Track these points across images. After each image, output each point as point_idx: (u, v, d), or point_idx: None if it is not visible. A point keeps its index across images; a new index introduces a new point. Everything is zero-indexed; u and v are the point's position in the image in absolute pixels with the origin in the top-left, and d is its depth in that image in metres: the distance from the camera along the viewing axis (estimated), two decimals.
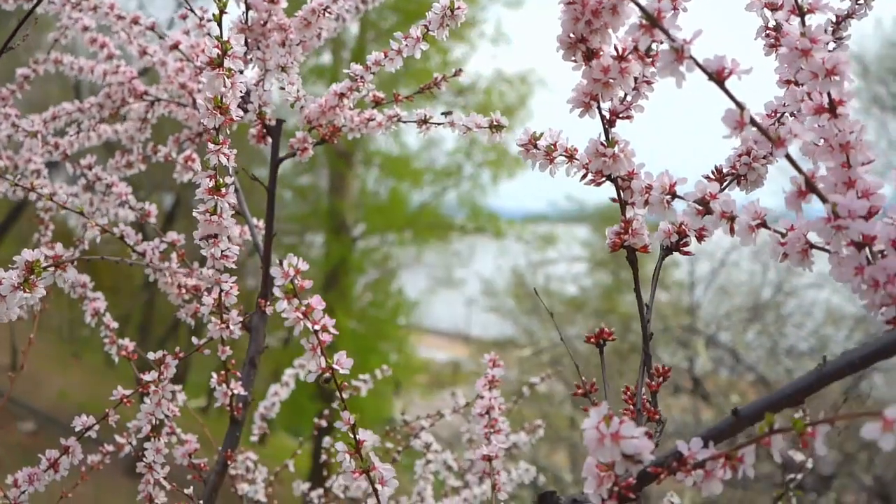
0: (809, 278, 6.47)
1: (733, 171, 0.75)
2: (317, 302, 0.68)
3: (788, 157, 0.56)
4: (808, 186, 0.56)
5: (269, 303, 1.04)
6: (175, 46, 1.16)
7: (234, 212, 1.15)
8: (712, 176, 0.75)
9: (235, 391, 1.03)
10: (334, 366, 0.69)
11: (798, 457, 1.16)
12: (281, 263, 0.67)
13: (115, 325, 1.17)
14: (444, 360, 11.99)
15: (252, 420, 1.53)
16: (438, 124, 1.01)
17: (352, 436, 0.71)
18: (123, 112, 1.32)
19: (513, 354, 7.99)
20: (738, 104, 0.55)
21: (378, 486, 0.70)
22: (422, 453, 1.41)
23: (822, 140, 0.60)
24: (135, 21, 1.17)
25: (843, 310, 7.22)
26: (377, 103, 1.07)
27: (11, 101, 1.37)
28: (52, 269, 0.72)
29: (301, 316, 0.67)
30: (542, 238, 10.85)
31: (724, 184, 0.75)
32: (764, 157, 0.74)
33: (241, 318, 0.99)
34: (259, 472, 1.37)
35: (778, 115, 0.75)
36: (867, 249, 0.57)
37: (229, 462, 1.06)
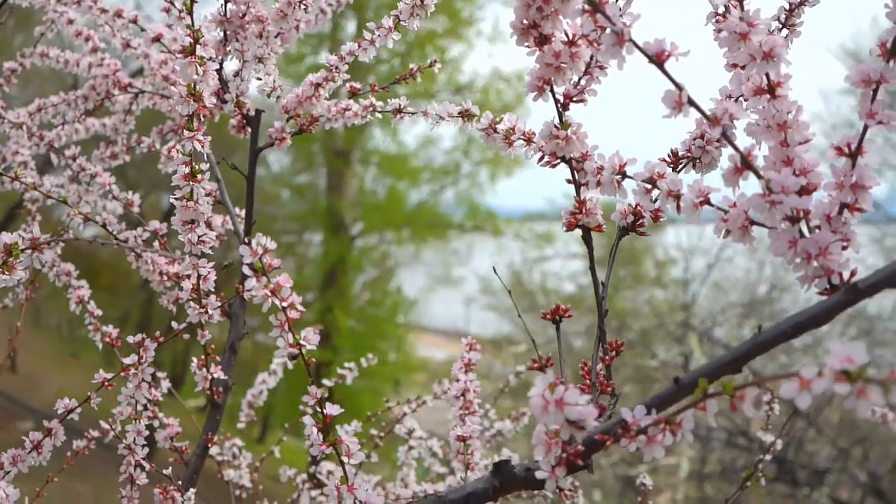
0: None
1: (688, 154, 0.77)
2: (285, 280, 0.71)
3: (724, 135, 0.58)
4: (744, 164, 0.59)
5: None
6: (157, 39, 1.18)
7: (215, 201, 1.18)
8: (668, 159, 0.78)
9: (215, 375, 1.06)
10: (301, 342, 0.71)
11: (767, 438, 1.19)
12: (250, 243, 0.69)
13: (98, 312, 1.20)
14: (442, 358, 12.01)
15: (239, 407, 1.56)
16: (412, 114, 1.03)
17: (319, 410, 0.73)
18: (108, 105, 1.35)
19: (509, 351, 8.03)
20: (676, 85, 0.58)
21: (344, 459, 0.73)
22: (404, 439, 1.43)
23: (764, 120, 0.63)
24: (118, 14, 1.20)
25: None
26: (353, 94, 1.10)
27: None
28: (29, 251, 0.75)
29: (269, 293, 0.70)
30: (540, 236, 10.89)
31: (680, 166, 0.77)
32: (718, 141, 0.76)
33: (219, 304, 1.01)
34: (244, 458, 1.40)
35: (732, 99, 0.78)
36: (802, 224, 0.59)
37: (210, 444, 1.08)
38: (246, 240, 0.68)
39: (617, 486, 5.74)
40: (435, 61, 1.10)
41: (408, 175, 11.20)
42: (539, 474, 0.61)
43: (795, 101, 0.61)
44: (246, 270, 0.70)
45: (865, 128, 0.59)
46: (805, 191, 0.60)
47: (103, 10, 1.21)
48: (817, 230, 0.60)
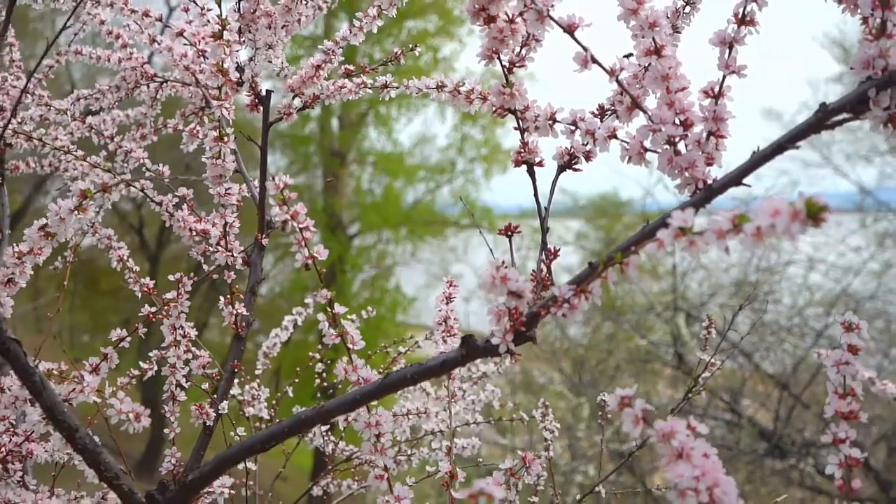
0: (785, 256, 6.72)
1: (612, 108, 0.99)
2: (301, 208, 0.92)
3: (618, 81, 0.80)
4: (634, 104, 0.80)
5: (265, 236, 1.28)
6: (180, 34, 1.39)
7: (234, 169, 1.39)
8: (596, 111, 0.99)
9: (239, 311, 1.27)
10: (315, 254, 0.93)
11: (704, 357, 1.40)
12: (273, 178, 0.90)
13: (136, 268, 1.41)
14: None
15: (257, 357, 1.78)
16: (396, 87, 1.25)
17: (330, 310, 0.95)
18: (136, 93, 1.56)
19: None
20: (583, 48, 0.79)
21: (350, 346, 0.94)
22: None
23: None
24: (146, 14, 1.41)
25: (824, 286, 7.54)
26: (348, 75, 1.31)
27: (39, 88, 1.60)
28: (100, 193, 0.96)
29: (290, 217, 0.91)
30: (537, 230, 11.07)
31: (605, 117, 0.99)
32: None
33: (243, 248, 1.23)
34: (262, 393, 1.62)
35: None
36: (681, 146, 0.81)
37: (236, 370, 1.29)
38: (270, 176, 0.90)
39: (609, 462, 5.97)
40: (416, 45, 1.31)
41: (403, 174, 11.41)
42: (494, 340, 0.83)
43: (676, 59, 0.83)
44: (271, 200, 0.91)
45: (724, 77, 0.81)
46: (684, 125, 0.82)
47: (133, 11, 1.42)
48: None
